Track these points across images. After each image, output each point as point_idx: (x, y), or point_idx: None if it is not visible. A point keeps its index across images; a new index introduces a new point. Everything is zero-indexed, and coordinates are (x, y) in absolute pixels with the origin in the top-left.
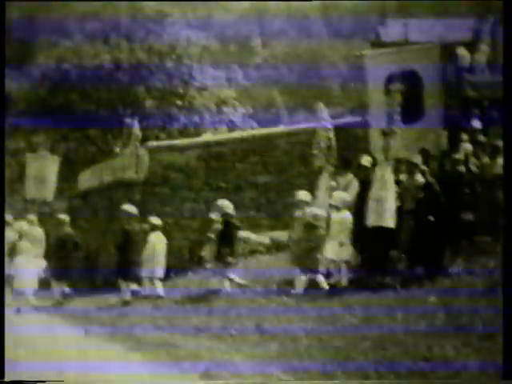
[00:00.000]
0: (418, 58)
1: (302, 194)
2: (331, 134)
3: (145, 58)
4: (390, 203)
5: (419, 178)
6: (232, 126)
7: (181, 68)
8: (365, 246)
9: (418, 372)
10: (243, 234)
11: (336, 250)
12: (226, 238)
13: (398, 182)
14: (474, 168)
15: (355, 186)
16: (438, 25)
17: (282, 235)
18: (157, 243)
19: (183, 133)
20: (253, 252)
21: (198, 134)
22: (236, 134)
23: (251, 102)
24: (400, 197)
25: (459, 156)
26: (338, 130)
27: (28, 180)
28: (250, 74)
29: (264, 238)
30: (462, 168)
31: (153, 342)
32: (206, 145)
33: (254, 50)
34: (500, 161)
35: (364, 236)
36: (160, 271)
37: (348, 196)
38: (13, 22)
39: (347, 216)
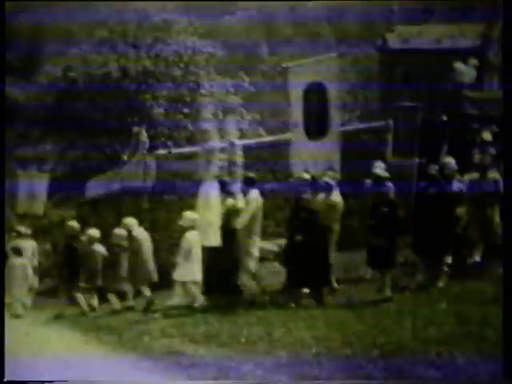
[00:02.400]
0: (322, 70)
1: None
2: (238, 152)
3: (152, 66)
4: (214, 222)
5: (335, 198)
6: (239, 133)
7: (188, 76)
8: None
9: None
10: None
11: (181, 271)
12: None
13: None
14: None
15: (252, 205)
16: (446, 31)
17: None
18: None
19: (190, 140)
20: (262, 259)
21: (205, 142)
22: (243, 142)
23: (258, 110)
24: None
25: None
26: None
27: (20, 196)
28: (257, 82)
29: (272, 245)
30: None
31: (162, 350)
32: None
33: (261, 57)
34: (491, 176)
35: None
36: None
37: (196, 216)
38: (20, 30)
39: (193, 237)
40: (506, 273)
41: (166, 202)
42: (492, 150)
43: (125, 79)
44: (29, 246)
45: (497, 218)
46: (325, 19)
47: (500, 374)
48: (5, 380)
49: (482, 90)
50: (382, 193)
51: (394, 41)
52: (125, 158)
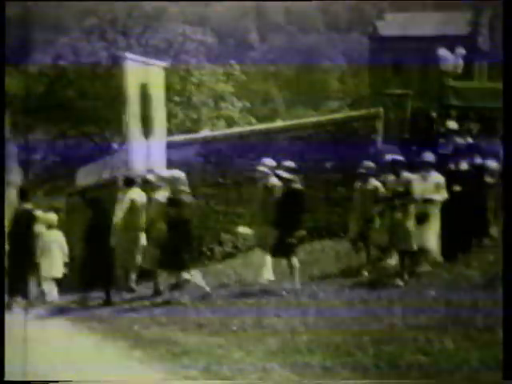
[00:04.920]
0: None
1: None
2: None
3: (142, 54)
4: None
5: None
6: (230, 122)
7: (178, 64)
8: None
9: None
10: (242, 229)
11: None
12: None
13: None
14: None
15: (126, 203)
16: (436, 19)
17: None
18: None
19: (181, 129)
20: (251, 248)
21: (196, 130)
22: (234, 130)
23: (249, 97)
24: None
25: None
26: None
27: None
28: (248, 69)
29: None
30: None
31: (153, 339)
32: (204, 141)
33: (252, 44)
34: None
35: None
36: None
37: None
38: (9, 18)
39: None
40: (505, 268)
41: None
42: (459, 140)
43: (115, 67)
44: None
45: (408, 223)
46: (315, 6)
47: (488, 361)
48: (5, 380)
49: (470, 79)
50: (176, 196)
51: (383, 28)
52: (115, 146)
